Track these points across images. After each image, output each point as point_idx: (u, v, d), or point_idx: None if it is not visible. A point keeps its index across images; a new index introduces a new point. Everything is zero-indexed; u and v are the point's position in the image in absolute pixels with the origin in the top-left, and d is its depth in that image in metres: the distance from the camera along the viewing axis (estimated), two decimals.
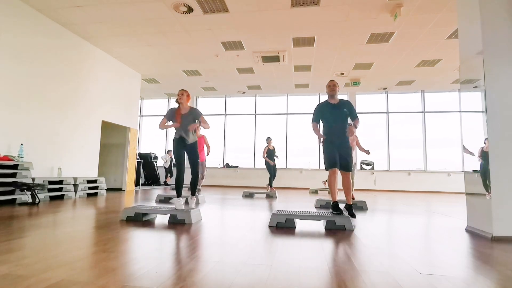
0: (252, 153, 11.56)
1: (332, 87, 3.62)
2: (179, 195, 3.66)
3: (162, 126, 3.77)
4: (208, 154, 6.87)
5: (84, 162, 6.88)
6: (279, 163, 11.21)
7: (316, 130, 3.63)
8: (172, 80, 9.81)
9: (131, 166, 8.71)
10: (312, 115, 3.72)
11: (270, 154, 7.61)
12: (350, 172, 3.57)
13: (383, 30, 6.16)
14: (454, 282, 1.61)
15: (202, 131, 6.95)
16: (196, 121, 3.78)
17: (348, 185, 3.57)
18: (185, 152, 3.78)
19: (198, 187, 6.21)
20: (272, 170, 7.63)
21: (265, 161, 7.63)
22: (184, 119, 3.71)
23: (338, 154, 3.51)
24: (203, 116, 3.81)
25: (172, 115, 3.77)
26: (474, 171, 3.24)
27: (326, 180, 7.64)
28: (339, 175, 3.52)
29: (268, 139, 7.70)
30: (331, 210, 3.37)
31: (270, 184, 7.65)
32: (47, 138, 5.86)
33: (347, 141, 3.56)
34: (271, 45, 6.98)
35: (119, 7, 5.40)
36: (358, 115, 3.66)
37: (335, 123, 3.55)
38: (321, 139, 3.60)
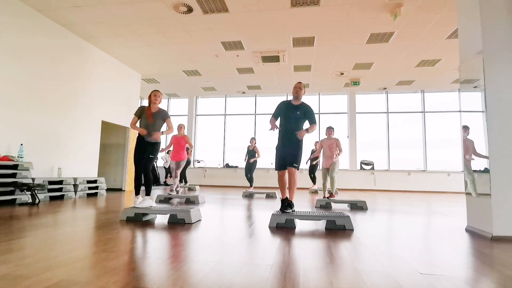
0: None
1: (297, 89, 3.66)
2: (136, 193, 3.71)
3: (133, 126, 3.81)
4: (190, 154, 6.67)
5: (84, 162, 6.88)
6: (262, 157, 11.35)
7: (272, 122, 3.67)
8: (172, 80, 9.81)
9: (131, 166, 8.71)
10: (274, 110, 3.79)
11: (249, 155, 7.78)
12: (294, 169, 3.50)
13: (383, 30, 6.17)
14: (454, 282, 1.61)
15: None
16: (162, 130, 3.92)
17: (291, 182, 3.51)
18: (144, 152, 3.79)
19: (176, 188, 6.19)
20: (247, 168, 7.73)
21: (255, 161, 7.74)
22: (153, 117, 3.79)
23: (286, 153, 3.55)
24: (169, 119, 3.92)
25: (141, 112, 3.83)
26: (474, 171, 3.23)
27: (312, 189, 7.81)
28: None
29: (252, 140, 7.82)
30: (280, 208, 3.46)
31: (250, 182, 7.86)
32: (47, 138, 5.86)
33: (296, 141, 3.54)
34: (271, 45, 6.98)
35: (119, 7, 5.40)
36: (316, 119, 3.73)
37: (289, 123, 3.60)
38: (274, 128, 3.62)
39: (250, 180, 7.84)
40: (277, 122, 3.76)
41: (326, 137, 5.92)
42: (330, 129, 5.88)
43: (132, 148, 8.74)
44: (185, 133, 6.23)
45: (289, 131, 3.57)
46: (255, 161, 7.80)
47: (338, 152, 5.75)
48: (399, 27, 6.00)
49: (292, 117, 3.59)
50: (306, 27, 6.09)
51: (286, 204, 3.42)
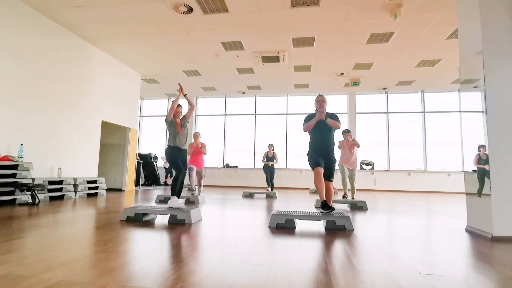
0: (252, 153, 11.56)
1: (320, 103, 3.73)
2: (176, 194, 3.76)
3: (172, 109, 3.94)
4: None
5: (84, 162, 6.88)
6: (280, 163, 11.26)
7: (309, 124, 3.70)
8: (172, 80, 9.81)
9: (131, 166, 8.71)
10: (303, 124, 3.85)
11: (267, 159, 7.69)
12: (332, 182, 3.67)
13: (383, 30, 6.16)
14: (454, 282, 1.61)
15: (201, 139, 6.93)
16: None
17: (329, 190, 3.65)
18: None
19: (197, 193, 6.23)
20: (268, 171, 7.65)
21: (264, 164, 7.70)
22: (183, 127, 4.00)
23: (325, 165, 3.63)
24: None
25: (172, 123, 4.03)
26: (474, 171, 3.23)
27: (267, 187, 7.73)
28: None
29: (270, 146, 7.74)
30: (320, 210, 3.40)
31: (270, 185, 7.67)
32: (47, 138, 5.86)
33: (331, 153, 3.69)
34: (271, 45, 6.98)
35: (119, 7, 5.40)
36: (340, 118, 3.78)
37: (321, 136, 3.68)
38: (320, 115, 3.64)
39: (272, 184, 7.75)
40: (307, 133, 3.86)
41: (343, 139, 6.08)
42: (348, 133, 6.00)
43: (132, 148, 8.76)
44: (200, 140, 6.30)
45: (322, 145, 3.67)
46: (273, 166, 7.73)
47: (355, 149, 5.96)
48: (399, 27, 6.00)
49: (322, 131, 3.68)
50: (306, 27, 6.09)
51: (329, 207, 3.42)
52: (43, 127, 5.76)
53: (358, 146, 5.83)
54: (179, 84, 4.16)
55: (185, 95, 4.04)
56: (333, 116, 3.72)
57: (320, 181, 3.51)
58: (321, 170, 3.52)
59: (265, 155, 7.72)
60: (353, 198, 5.68)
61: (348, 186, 5.86)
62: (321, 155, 3.65)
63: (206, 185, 11.45)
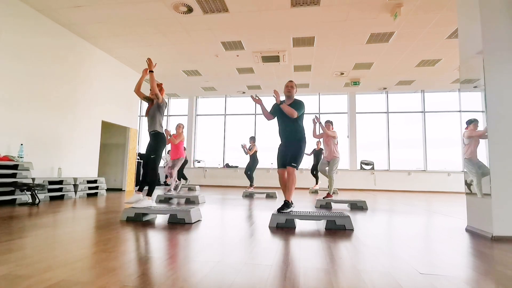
0: None
1: (289, 88, 3.66)
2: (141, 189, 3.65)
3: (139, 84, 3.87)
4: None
5: (84, 162, 6.88)
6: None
7: (264, 113, 3.84)
8: (172, 80, 9.81)
9: (131, 166, 8.71)
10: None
11: (246, 153, 8.05)
12: (292, 169, 3.46)
13: (383, 30, 6.16)
14: (454, 282, 1.61)
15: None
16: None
17: (289, 182, 3.48)
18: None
19: (172, 189, 6.29)
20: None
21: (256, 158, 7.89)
22: (152, 109, 3.86)
23: (286, 153, 3.55)
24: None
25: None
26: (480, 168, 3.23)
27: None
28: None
29: (250, 140, 7.97)
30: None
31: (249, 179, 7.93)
32: (47, 138, 5.86)
33: (296, 141, 3.54)
34: (271, 45, 6.98)
35: (119, 7, 5.40)
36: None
37: (286, 125, 3.61)
38: (260, 105, 3.79)
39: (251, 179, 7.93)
40: (275, 121, 3.84)
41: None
42: (327, 123, 5.94)
43: (132, 148, 8.76)
44: (184, 132, 6.34)
45: (287, 132, 3.61)
46: (250, 158, 7.91)
47: (336, 142, 5.84)
48: (399, 27, 6.00)
49: (287, 118, 3.58)
50: (306, 27, 6.09)
51: (283, 203, 3.39)
52: (43, 127, 5.76)
53: (326, 132, 5.70)
54: (148, 58, 3.69)
55: (151, 72, 3.65)
56: (294, 104, 3.56)
57: (281, 180, 3.57)
58: (283, 171, 3.54)
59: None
60: (328, 195, 5.66)
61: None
62: (284, 146, 3.60)
63: (206, 185, 11.45)
